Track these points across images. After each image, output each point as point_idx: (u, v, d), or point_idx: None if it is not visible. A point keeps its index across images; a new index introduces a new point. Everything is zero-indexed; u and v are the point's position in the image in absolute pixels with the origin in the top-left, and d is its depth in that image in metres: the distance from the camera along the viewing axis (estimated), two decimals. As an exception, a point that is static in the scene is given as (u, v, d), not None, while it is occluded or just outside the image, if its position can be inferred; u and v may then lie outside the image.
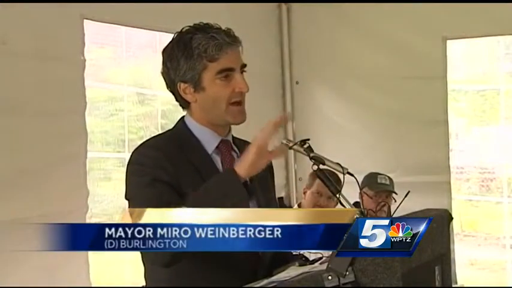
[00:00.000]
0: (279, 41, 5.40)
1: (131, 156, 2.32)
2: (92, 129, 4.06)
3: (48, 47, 3.66)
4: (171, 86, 2.36)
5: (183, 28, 2.35)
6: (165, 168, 2.22)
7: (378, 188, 4.54)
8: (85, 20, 3.86)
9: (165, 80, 2.38)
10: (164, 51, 2.37)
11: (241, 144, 2.43)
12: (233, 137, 2.45)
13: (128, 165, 2.31)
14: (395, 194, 4.47)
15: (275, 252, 2.29)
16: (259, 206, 2.34)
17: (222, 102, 2.30)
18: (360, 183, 2.69)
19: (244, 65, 2.34)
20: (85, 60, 3.83)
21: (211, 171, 2.29)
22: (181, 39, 2.32)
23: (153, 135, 2.54)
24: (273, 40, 5.37)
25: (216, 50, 2.27)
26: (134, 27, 4.39)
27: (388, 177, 4.63)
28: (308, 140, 2.45)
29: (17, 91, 3.51)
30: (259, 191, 2.38)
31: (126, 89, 4.65)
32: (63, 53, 3.75)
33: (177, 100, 2.40)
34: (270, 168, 2.51)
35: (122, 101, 4.70)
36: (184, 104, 2.38)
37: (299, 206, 4.65)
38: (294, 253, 2.27)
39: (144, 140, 2.44)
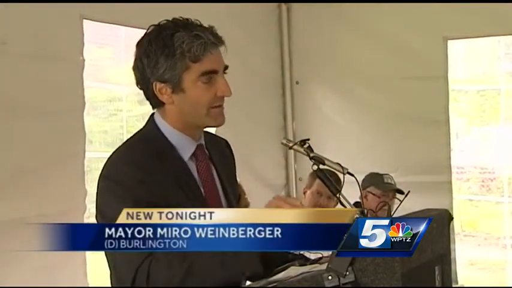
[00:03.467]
0: (279, 41, 5.39)
1: (106, 170, 2.12)
2: (91, 129, 4.07)
3: (48, 47, 3.65)
4: (143, 84, 2.19)
5: (160, 22, 2.18)
6: (147, 188, 2.04)
7: (385, 187, 4.51)
8: (85, 20, 3.85)
9: (136, 76, 2.20)
10: (139, 46, 2.18)
11: (210, 140, 2.31)
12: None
13: (103, 180, 2.11)
14: (403, 193, 4.43)
15: (268, 254, 2.18)
16: (229, 201, 2.26)
17: (202, 106, 2.14)
18: (360, 183, 2.69)
19: (226, 67, 2.18)
20: (84, 60, 3.83)
21: (188, 181, 2.16)
22: (160, 35, 2.13)
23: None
24: (273, 40, 5.37)
25: (201, 50, 2.10)
26: (134, 27, 4.38)
27: (391, 176, 4.62)
28: (308, 140, 2.46)
29: (16, 91, 3.50)
30: (228, 185, 2.29)
31: (125, 89, 4.65)
32: (63, 53, 3.74)
33: (147, 98, 2.22)
34: (232, 157, 2.41)
35: (121, 101, 4.71)
36: (157, 103, 2.20)
37: (299, 206, 4.63)
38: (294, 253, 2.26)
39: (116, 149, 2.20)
